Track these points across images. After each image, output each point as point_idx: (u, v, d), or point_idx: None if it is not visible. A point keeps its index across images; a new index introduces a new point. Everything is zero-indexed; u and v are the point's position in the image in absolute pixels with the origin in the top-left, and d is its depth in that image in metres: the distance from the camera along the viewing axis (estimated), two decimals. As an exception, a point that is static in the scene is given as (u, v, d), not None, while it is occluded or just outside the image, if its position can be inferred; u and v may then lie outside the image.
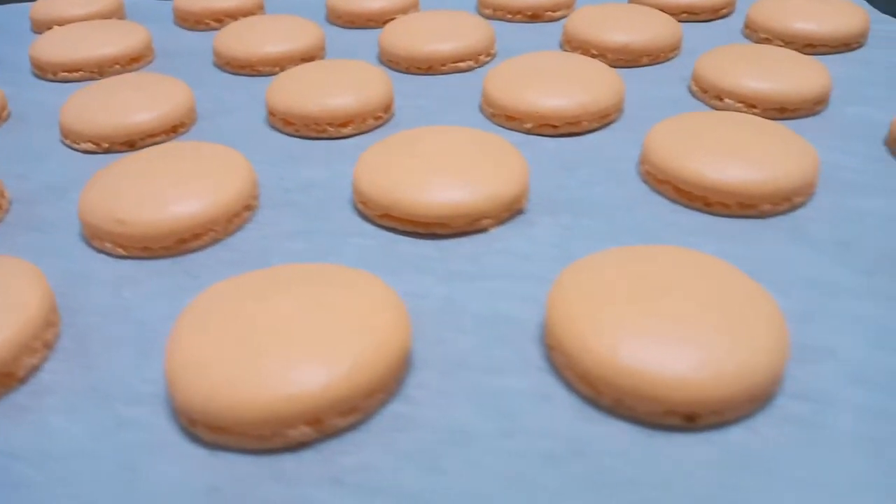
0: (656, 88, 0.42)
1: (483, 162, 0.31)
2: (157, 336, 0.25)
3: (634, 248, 0.26)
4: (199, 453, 0.21)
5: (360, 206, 0.31)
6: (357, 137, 0.37)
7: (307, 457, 0.21)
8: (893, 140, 0.35)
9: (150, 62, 0.45)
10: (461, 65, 0.44)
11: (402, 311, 0.23)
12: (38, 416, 0.23)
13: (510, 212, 0.31)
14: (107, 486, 0.20)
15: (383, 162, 0.31)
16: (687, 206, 0.31)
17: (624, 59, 0.44)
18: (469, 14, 0.47)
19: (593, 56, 0.44)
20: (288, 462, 0.21)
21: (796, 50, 0.45)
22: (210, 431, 0.21)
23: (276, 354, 0.21)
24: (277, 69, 0.43)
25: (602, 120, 0.37)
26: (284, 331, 0.22)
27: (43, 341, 0.24)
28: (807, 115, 0.39)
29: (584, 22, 0.46)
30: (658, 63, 0.45)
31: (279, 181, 0.33)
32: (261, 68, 0.43)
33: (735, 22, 0.50)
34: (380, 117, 0.38)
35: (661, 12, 0.47)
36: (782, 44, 0.46)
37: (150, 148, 0.32)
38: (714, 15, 0.51)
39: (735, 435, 0.21)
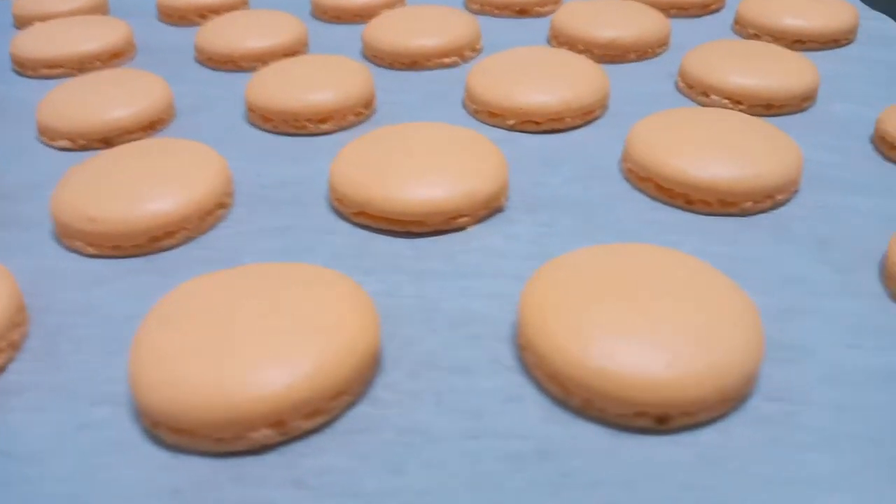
0: (643, 85, 0.41)
1: (461, 159, 0.31)
2: (126, 336, 0.24)
3: (610, 247, 0.26)
4: (161, 455, 0.21)
5: (336, 204, 0.30)
6: (337, 134, 0.36)
7: (269, 459, 0.20)
8: (879, 137, 0.35)
9: (132, 58, 0.45)
10: (446, 60, 0.43)
11: (371, 311, 0.23)
12: (1, 416, 0.22)
13: (488, 210, 0.30)
14: (67, 487, 0.20)
15: (360, 159, 0.31)
16: (668, 204, 0.31)
17: (611, 54, 0.44)
18: (455, 9, 0.47)
19: (580, 52, 0.44)
20: (250, 465, 0.20)
21: (785, 46, 0.45)
22: (172, 433, 0.21)
23: (239, 355, 0.21)
24: (259, 65, 0.42)
25: (586, 117, 0.37)
26: (250, 331, 0.22)
27: (9, 342, 0.24)
28: (794, 112, 0.38)
29: (570, 17, 0.45)
30: (646, 59, 0.44)
31: (255, 178, 0.33)
32: (242, 64, 0.43)
33: (725, 17, 0.50)
34: (360, 113, 0.37)
35: (649, 8, 0.47)
36: (771, 39, 0.45)
37: (124, 145, 0.32)
38: (704, 10, 0.50)
39: (706, 436, 0.21)
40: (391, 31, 0.44)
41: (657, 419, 0.21)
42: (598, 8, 0.46)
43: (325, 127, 0.36)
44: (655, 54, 0.45)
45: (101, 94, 0.36)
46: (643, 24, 0.44)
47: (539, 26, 0.49)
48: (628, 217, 0.30)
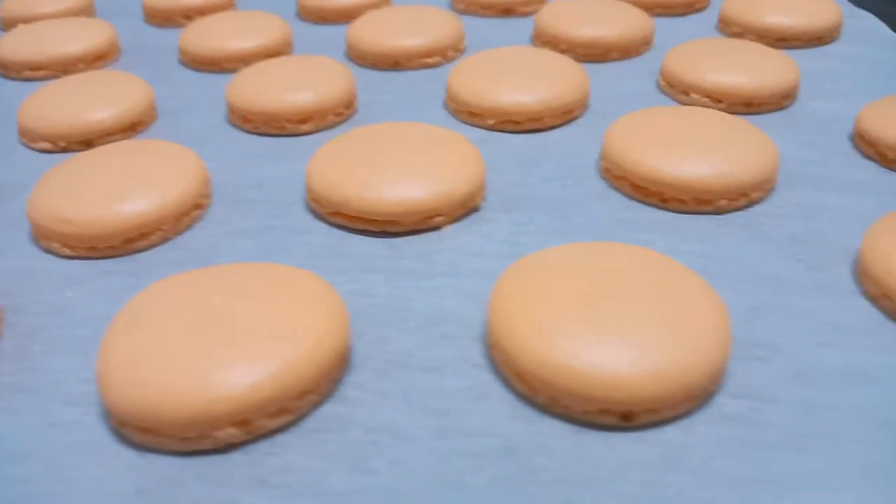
0: (624, 84, 0.41)
1: (438, 159, 0.31)
2: (98, 336, 0.25)
3: (581, 245, 0.26)
4: (128, 454, 0.21)
5: (313, 204, 0.31)
6: (317, 134, 0.37)
7: (235, 458, 0.20)
8: (859, 135, 0.35)
9: (116, 60, 0.45)
10: (429, 60, 0.43)
11: (341, 311, 0.23)
12: (-29, 417, 0.22)
13: (465, 209, 0.30)
14: (32, 487, 0.20)
15: (336, 159, 0.31)
16: (644, 203, 0.31)
17: (593, 53, 0.44)
18: (438, 9, 0.47)
19: (562, 51, 0.44)
20: (215, 464, 0.20)
21: (769, 44, 0.45)
22: (138, 433, 0.21)
23: (205, 355, 0.21)
24: (243, 66, 0.43)
25: (565, 116, 0.37)
26: (217, 331, 0.22)
27: (-18, 343, 0.24)
28: (774, 110, 0.38)
29: (554, 17, 0.45)
30: (629, 58, 0.44)
31: (234, 179, 0.33)
32: (226, 65, 0.43)
33: (709, 16, 0.50)
34: (341, 113, 0.37)
35: (633, 7, 0.47)
36: (755, 38, 0.45)
37: (102, 147, 0.32)
38: (688, 9, 0.50)
39: (670, 433, 0.21)
40: (374, 31, 0.44)
41: (622, 416, 0.21)
42: (581, 7, 0.46)
43: (305, 127, 0.36)
44: (639, 53, 0.45)
45: (82, 96, 0.36)
46: (626, 23, 0.44)
47: (523, 26, 0.49)
48: (603, 216, 0.30)
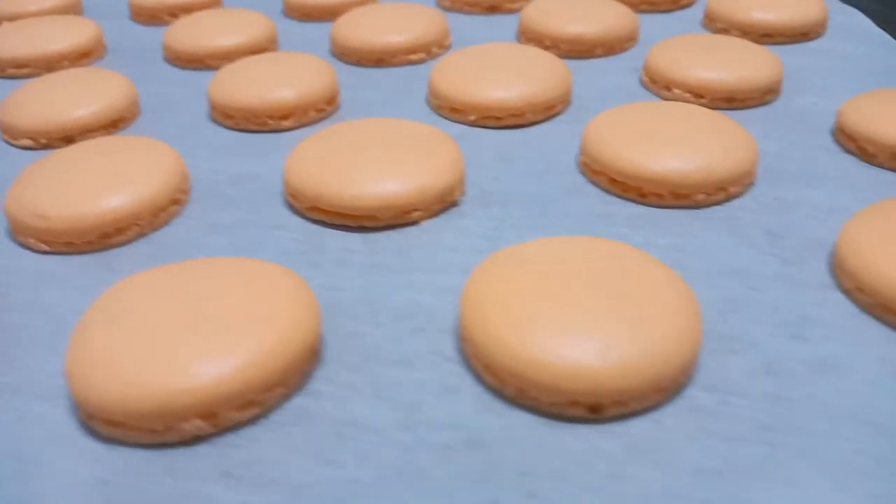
0: (607, 80, 0.41)
1: (416, 154, 0.31)
2: (70, 331, 0.25)
3: (555, 239, 0.26)
4: (95, 447, 0.21)
5: (290, 199, 0.31)
6: (298, 130, 0.37)
7: (201, 451, 0.20)
8: (840, 130, 0.35)
9: (101, 58, 0.45)
10: (413, 57, 0.43)
11: (311, 305, 0.23)
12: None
13: (443, 204, 0.30)
14: (-1, 480, 0.20)
15: (314, 154, 0.31)
16: (622, 198, 0.31)
17: (578, 50, 0.44)
18: (423, 6, 0.47)
19: (547, 48, 0.44)
20: (182, 456, 0.20)
21: (754, 40, 0.45)
22: (105, 425, 0.21)
23: (174, 348, 0.21)
24: (227, 63, 0.42)
25: (547, 112, 0.37)
26: (186, 324, 0.22)
27: (-45, 337, 0.24)
28: (757, 106, 0.38)
29: (539, 13, 0.45)
30: (613, 54, 0.44)
31: (212, 175, 0.33)
32: (210, 63, 0.43)
33: (695, 13, 0.50)
34: (322, 110, 0.37)
35: (618, 3, 0.47)
36: (740, 34, 0.45)
37: (81, 143, 0.32)
38: (674, 5, 0.50)
39: (639, 426, 0.21)
40: (358, 28, 0.44)
41: (590, 408, 0.21)
42: (566, 4, 0.46)
43: (286, 124, 0.36)
44: (623, 49, 0.45)
45: (64, 93, 0.36)
46: (610, 19, 0.44)
47: (509, 23, 0.49)
48: (581, 211, 0.30)
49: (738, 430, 0.21)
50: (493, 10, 0.50)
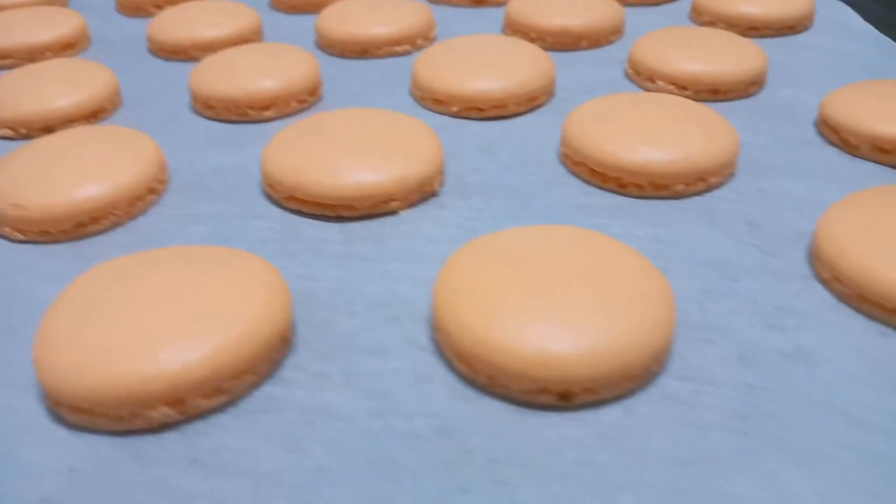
0: (592, 72, 0.41)
1: (395, 144, 0.31)
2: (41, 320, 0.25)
3: (530, 228, 0.26)
4: (62, 434, 0.21)
5: (268, 189, 0.30)
6: (280, 121, 0.36)
7: (168, 438, 0.20)
8: (823, 122, 0.35)
9: (86, 49, 0.45)
10: (397, 49, 0.43)
11: (282, 293, 0.23)
12: None
13: (422, 194, 0.30)
14: (-36, 468, 0.20)
15: (292, 144, 0.31)
16: (602, 188, 0.31)
17: (563, 42, 0.43)
18: (410, -1, 0.47)
19: (532, 40, 0.43)
20: (149, 443, 0.20)
21: (740, 33, 0.45)
22: (73, 412, 0.21)
23: (142, 335, 0.21)
24: (211, 55, 0.42)
25: (530, 103, 0.37)
26: (155, 312, 0.22)
27: (-74, 325, 0.24)
28: (741, 98, 0.38)
29: (524, 6, 0.45)
30: (598, 47, 0.44)
31: (192, 165, 0.33)
32: (194, 54, 0.43)
33: (682, 6, 0.50)
34: (304, 100, 0.37)
35: (605, -4, 0.47)
36: (727, 27, 0.45)
37: (59, 132, 0.32)
38: (661, -1, 0.50)
39: (609, 413, 0.21)
40: (342, 20, 0.43)
41: (560, 396, 0.21)
42: (553, -4, 0.46)
43: (267, 114, 0.36)
44: (609, 42, 0.45)
45: (44, 84, 0.36)
46: (595, 12, 0.44)
47: (495, 15, 0.48)
48: (560, 201, 0.30)
49: (711, 419, 0.21)
50: (479, 2, 0.50)
